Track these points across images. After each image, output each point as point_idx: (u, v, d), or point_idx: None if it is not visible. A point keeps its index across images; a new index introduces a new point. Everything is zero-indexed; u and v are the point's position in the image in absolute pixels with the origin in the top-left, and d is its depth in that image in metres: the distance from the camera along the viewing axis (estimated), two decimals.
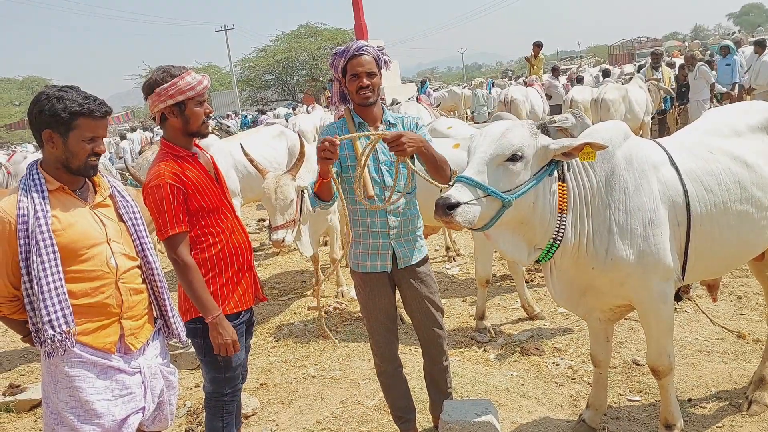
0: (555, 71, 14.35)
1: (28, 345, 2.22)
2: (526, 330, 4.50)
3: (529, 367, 3.92)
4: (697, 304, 3.91)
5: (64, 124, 2.04)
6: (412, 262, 2.86)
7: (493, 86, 18.71)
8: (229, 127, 16.76)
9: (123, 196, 2.27)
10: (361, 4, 27.05)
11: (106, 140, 18.22)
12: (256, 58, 46.34)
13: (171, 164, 2.49)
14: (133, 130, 19.73)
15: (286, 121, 14.20)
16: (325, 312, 5.42)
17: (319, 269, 6.02)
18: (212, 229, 2.59)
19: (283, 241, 4.65)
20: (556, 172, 2.39)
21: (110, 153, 16.26)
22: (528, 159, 2.30)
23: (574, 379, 3.70)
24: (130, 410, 2.16)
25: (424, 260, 2.93)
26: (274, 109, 26.97)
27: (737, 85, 9.68)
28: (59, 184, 2.10)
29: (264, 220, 9.87)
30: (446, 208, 2.16)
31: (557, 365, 3.89)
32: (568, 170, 2.43)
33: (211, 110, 2.65)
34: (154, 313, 2.33)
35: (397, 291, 2.95)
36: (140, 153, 12.43)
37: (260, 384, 4.13)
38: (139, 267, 2.26)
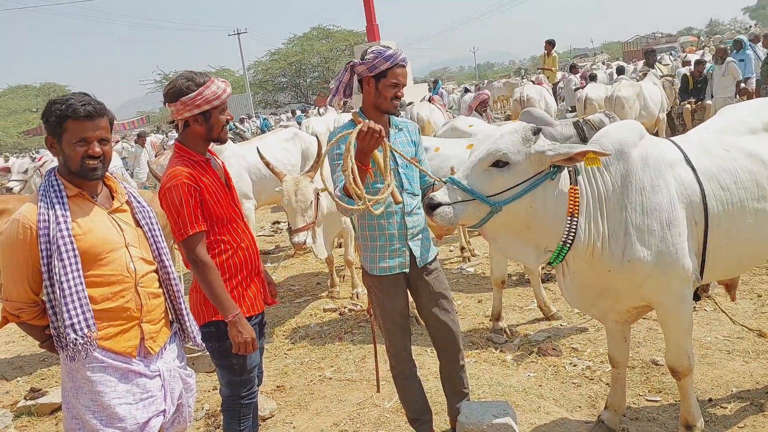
0: (573, 69, 14.28)
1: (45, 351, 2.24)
2: (543, 330, 4.47)
3: (547, 367, 3.89)
4: (716, 303, 3.86)
5: (55, 129, 2.07)
6: (428, 260, 2.89)
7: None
8: (244, 131, 16.87)
9: (139, 202, 2.30)
10: (373, 5, 27.11)
11: (118, 146, 18.31)
12: (268, 62, 46.63)
13: (187, 167, 2.52)
14: (140, 136, 19.88)
15: (299, 123, 14.26)
16: (340, 314, 5.43)
17: (333, 271, 6.05)
18: (223, 237, 2.61)
19: (304, 243, 4.69)
20: (566, 177, 2.37)
21: (125, 158, 16.38)
22: (516, 165, 2.30)
23: (592, 379, 3.67)
24: (152, 413, 2.18)
25: (436, 257, 2.97)
26: (287, 112, 27.10)
27: (754, 80, 9.53)
28: (77, 190, 2.13)
29: (279, 223, 9.92)
30: (429, 207, 2.30)
31: (575, 366, 3.87)
32: (579, 174, 2.42)
33: (232, 117, 2.68)
34: (170, 316, 2.35)
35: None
36: (156, 155, 12.56)
37: (277, 386, 4.15)
38: (156, 271, 2.29)
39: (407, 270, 2.84)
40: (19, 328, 2.23)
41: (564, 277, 2.64)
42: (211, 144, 2.68)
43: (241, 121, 21.31)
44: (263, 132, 18.77)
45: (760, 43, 10.85)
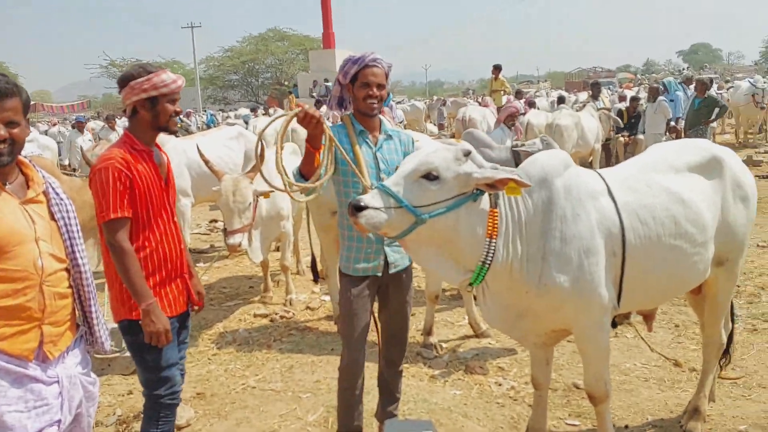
0: (519, 95, 14.68)
1: None
2: (472, 348, 4.52)
3: (473, 386, 3.92)
4: (637, 331, 4.00)
5: None
6: (402, 267, 2.92)
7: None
8: (189, 125, 16.42)
9: (57, 194, 2.14)
10: (331, 13, 27.12)
11: (54, 130, 17.42)
12: (221, 58, 45.85)
13: (124, 152, 2.50)
14: (53, 124, 19.09)
15: (245, 123, 14.00)
16: (271, 320, 5.32)
17: (268, 276, 5.92)
18: (147, 232, 2.56)
19: (239, 246, 4.58)
20: (486, 198, 2.41)
21: (60, 143, 15.61)
22: (445, 181, 2.33)
23: (516, 400, 3.72)
24: (45, 423, 1.99)
25: (410, 265, 3.00)
26: (236, 110, 26.64)
27: (681, 120, 10.11)
28: None
29: (215, 221, 9.67)
30: (355, 209, 2.26)
31: (500, 385, 3.91)
32: (500, 197, 2.46)
33: (181, 110, 2.67)
34: (78, 319, 2.20)
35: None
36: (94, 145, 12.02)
37: (197, 393, 4.00)
38: (67, 270, 2.12)
39: (380, 274, 2.87)
40: None
41: (484, 298, 2.67)
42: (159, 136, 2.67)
43: (188, 115, 20.71)
44: (209, 128, 18.33)
45: (693, 86, 11.50)
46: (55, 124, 18.61)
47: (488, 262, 2.41)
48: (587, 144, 9.42)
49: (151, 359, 2.57)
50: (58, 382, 2.05)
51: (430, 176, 2.32)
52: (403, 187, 2.32)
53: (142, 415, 3.66)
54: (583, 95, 19.50)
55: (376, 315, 3.04)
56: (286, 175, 2.56)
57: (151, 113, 2.54)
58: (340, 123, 2.87)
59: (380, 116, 2.92)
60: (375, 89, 2.76)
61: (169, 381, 2.63)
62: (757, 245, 6.42)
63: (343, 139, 2.78)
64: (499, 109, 13.50)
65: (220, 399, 3.92)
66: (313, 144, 2.61)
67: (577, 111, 10.21)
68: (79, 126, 13.59)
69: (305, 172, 2.67)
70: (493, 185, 2.33)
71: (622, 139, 10.78)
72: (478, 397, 3.77)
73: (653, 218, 2.63)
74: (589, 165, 9.43)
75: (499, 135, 7.08)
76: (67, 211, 2.14)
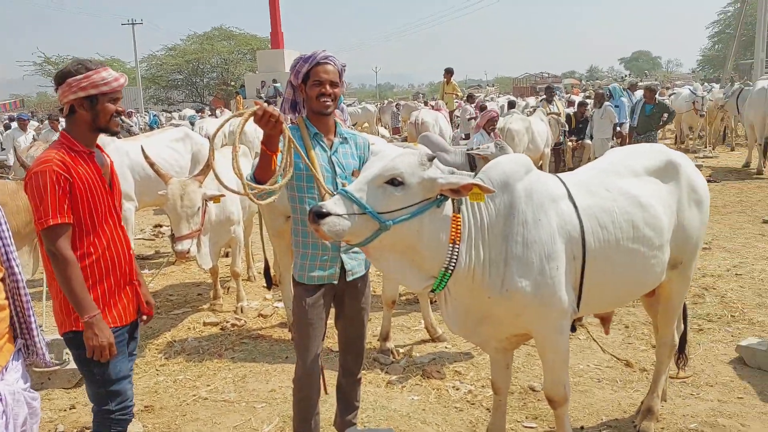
0: (471, 99, 14.85)
1: None
2: (429, 353, 4.50)
3: (430, 391, 3.90)
4: (588, 332, 4.07)
5: None
6: (359, 275, 2.85)
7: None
8: (131, 126, 15.86)
9: None
10: (279, 13, 26.78)
11: None
12: (164, 56, 44.61)
13: (62, 154, 2.36)
14: (11, 119, 18.17)
15: (191, 124, 13.62)
16: (222, 328, 5.15)
17: (218, 282, 5.75)
18: (91, 238, 2.43)
19: (188, 252, 4.42)
20: (449, 204, 2.39)
21: None
22: (409, 186, 2.29)
23: (473, 404, 3.72)
24: None
25: (367, 273, 2.94)
26: (180, 110, 25.94)
27: (627, 125, 10.44)
28: None
29: (161, 226, 9.35)
30: (316, 216, 2.18)
31: (457, 389, 3.90)
32: (462, 203, 2.44)
33: (123, 109, 2.55)
34: (15, 331, 2.05)
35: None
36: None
37: (145, 406, 3.82)
38: (2, 279, 1.98)
39: (335, 282, 2.78)
40: None
41: (446, 303, 2.65)
42: (100, 137, 2.54)
43: (129, 115, 20.01)
44: (152, 129, 17.77)
45: (639, 92, 11.92)
46: None
47: (451, 267, 2.39)
48: (537, 148, 9.61)
49: (99, 372, 2.45)
50: (1, 399, 1.92)
51: (394, 182, 2.28)
52: (366, 193, 2.25)
53: (86, 430, 3.50)
54: (532, 100, 19.95)
55: (334, 323, 2.98)
56: (243, 177, 2.42)
57: (90, 113, 2.41)
58: (293, 124, 2.78)
59: (335, 119, 2.85)
60: (328, 87, 2.67)
61: (119, 395, 2.51)
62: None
63: (298, 143, 2.67)
64: (451, 113, 13.68)
65: (170, 412, 3.76)
66: (269, 146, 2.50)
67: (527, 116, 10.40)
68: (21, 124, 12.91)
69: (260, 177, 2.54)
70: (458, 191, 2.31)
71: (570, 144, 11.07)
72: (436, 402, 3.75)
73: (612, 222, 2.66)
74: (539, 169, 9.61)
75: (479, 140, 6.98)
76: None
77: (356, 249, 2.78)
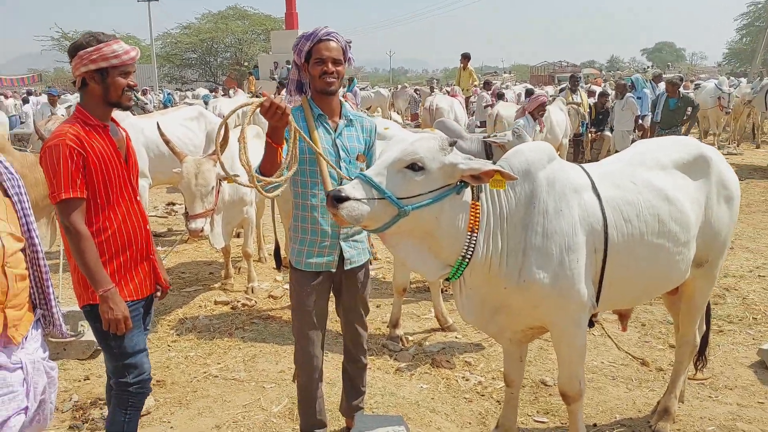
0: (487, 86, 14.65)
1: None
2: (439, 342, 4.46)
3: (440, 380, 3.87)
4: (603, 328, 4.01)
5: None
6: (358, 264, 2.79)
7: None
8: (146, 104, 15.84)
9: (7, 168, 1.97)
10: None
11: (10, 102, 16.53)
12: (179, 34, 44.51)
13: (76, 128, 2.35)
14: (29, 93, 18.22)
15: (205, 103, 13.59)
16: (232, 308, 5.15)
17: (229, 262, 5.74)
18: (107, 212, 2.42)
19: (201, 231, 4.41)
20: (469, 191, 2.34)
21: (13, 116, 14.86)
22: (430, 172, 2.24)
23: (483, 395, 3.69)
24: (12, 411, 1.87)
25: (368, 262, 2.89)
26: (194, 89, 25.91)
27: (649, 118, 10.25)
28: None
29: (174, 204, 9.36)
30: (334, 200, 2.14)
31: (467, 380, 3.87)
32: (482, 190, 2.39)
33: (135, 83, 2.49)
34: (35, 301, 2.05)
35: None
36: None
37: (157, 381, 3.83)
38: (23, 250, 1.97)
39: (333, 270, 2.73)
40: None
41: (461, 293, 2.60)
42: (114, 112, 2.51)
43: (144, 92, 20.00)
44: (166, 107, 17.74)
45: (663, 84, 11.66)
46: (8, 97, 17.71)
47: (468, 256, 2.35)
48: (555, 138, 9.47)
49: (116, 346, 2.47)
50: (21, 367, 1.94)
51: (414, 167, 2.23)
52: (386, 178, 2.21)
53: (99, 401, 3.52)
54: (550, 89, 19.68)
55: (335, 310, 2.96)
56: (251, 168, 2.34)
57: (101, 86, 2.38)
58: (298, 106, 2.71)
59: (342, 100, 2.76)
60: (330, 65, 2.58)
61: (136, 368, 2.53)
62: None
63: (301, 124, 2.61)
64: (467, 100, 13.53)
65: (181, 387, 3.78)
66: (275, 138, 2.41)
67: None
68: (51, 99, 13.06)
69: (266, 170, 2.46)
70: (479, 177, 2.26)
71: (589, 135, 10.90)
72: (445, 392, 3.72)
73: (637, 215, 2.60)
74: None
75: (524, 125, 6.57)
76: (20, 187, 1.98)
77: (356, 237, 2.76)
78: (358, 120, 2.78)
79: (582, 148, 11.16)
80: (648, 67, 39.93)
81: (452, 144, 2.31)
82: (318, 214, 2.66)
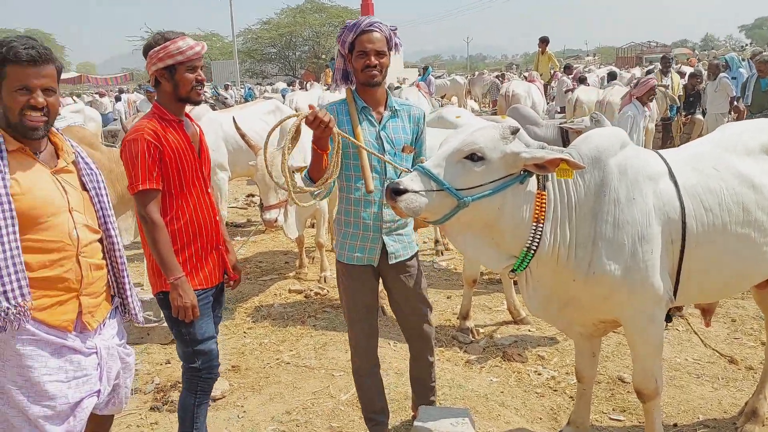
0: (568, 70, 14.12)
1: None
2: (511, 335, 4.37)
3: (510, 373, 3.79)
4: (689, 324, 3.79)
5: None
6: (403, 258, 2.73)
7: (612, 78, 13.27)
8: (226, 99, 16.47)
9: (87, 163, 2.10)
10: None
11: (105, 100, 17.63)
12: (259, 30, 45.86)
13: (153, 123, 2.47)
14: (121, 92, 19.39)
15: (283, 97, 13.94)
16: (306, 296, 5.27)
17: (303, 252, 5.87)
18: (180, 202, 2.53)
19: (275, 221, 4.53)
20: (534, 180, 2.26)
21: (108, 113, 15.92)
22: (490, 161, 2.18)
23: (555, 390, 3.57)
24: (85, 393, 2.01)
25: (414, 255, 2.81)
26: (273, 84, 26.62)
27: (741, 99, 9.49)
28: (19, 144, 1.92)
29: (253, 196, 9.67)
30: (393, 192, 2.13)
31: (539, 374, 3.77)
32: (548, 179, 2.29)
33: (204, 78, 2.57)
34: (112, 290, 2.17)
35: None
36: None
37: (232, 366, 3.99)
38: (100, 241, 2.09)
39: (375, 264, 2.69)
40: None
41: (527, 285, 2.52)
42: (190, 108, 2.64)
43: (226, 87, 20.83)
44: (247, 102, 18.37)
45: None
46: (103, 95, 19.00)
47: (534, 247, 2.28)
48: None
49: (187, 332, 2.57)
50: (96, 352, 2.06)
51: (474, 157, 2.19)
52: (444, 169, 2.19)
53: (179, 384, 3.70)
54: (637, 71, 18.67)
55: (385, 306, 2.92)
56: (291, 176, 2.46)
57: (171, 83, 2.48)
58: (342, 99, 2.69)
59: (387, 90, 2.70)
60: (373, 57, 2.52)
61: (205, 354, 2.62)
62: None
63: (344, 118, 2.59)
64: (546, 85, 13.10)
65: (254, 373, 3.91)
66: (319, 145, 2.43)
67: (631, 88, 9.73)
68: (149, 96, 13.76)
69: (314, 176, 2.52)
70: (543, 166, 2.18)
71: (679, 119, 10.22)
72: (516, 386, 3.64)
73: (719, 204, 2.42)
74: (640, 146, 9.01)
75: (632, 112, 6.34)
76: (98, 182, 2.10)
77: (400, 231, 2.71)
78: (405, 109, 2.72)
79: (671, 133, 10.50)
80: (746, 45, 37.02)
81: (514, 132, 2.25)
82: (361, 207, 2.63)
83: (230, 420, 3.37)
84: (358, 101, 2.63)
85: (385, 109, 2.66)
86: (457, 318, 4.53)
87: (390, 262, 2.69)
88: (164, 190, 2.48)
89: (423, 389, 2.99)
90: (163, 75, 2.46)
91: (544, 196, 2.27)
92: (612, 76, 11.30)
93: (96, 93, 19.31)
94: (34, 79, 1.87)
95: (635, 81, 7.26)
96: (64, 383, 1.96)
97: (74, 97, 19.26)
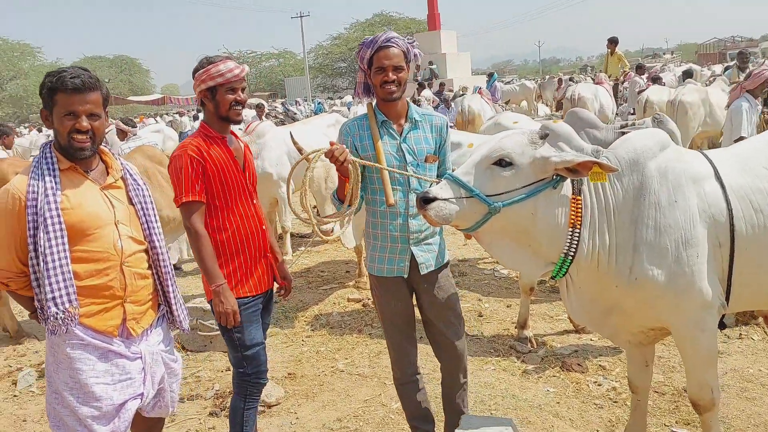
0: (640, 69, 13.57)
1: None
2: (571, 344, 4.23)
3: (568, 384, 3.67)
4: (765, 332, 3.53)
5: (47, 101, 2.05)
6: (434, 268, 2.70)
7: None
8: (295, 114, 16.95)
9: (135, 179, 2.26)
10: None
11: (185, 119, 18.52)
12: (329, 45, 47.00)
13: (198, 140, 2.63)
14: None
15: (348, 109, 14.20)
16: (363, 305, 5.33)
17: (362, 261, 5.94)
18: (224, 213, 2.65)
19: (332, 232, 4.62)
20: (568, 184, 2.21)
21: (188, 131, 16.78)
22: (520, 167, 2.17)
23: (616, 402, 3.43)
24: (129, 395, 2.13)
25: (445, 265, 2.77)
26: (342, 97, 27.15)
27: None
28: (70, 163, 2.09)
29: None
30: (423, 201, 2.15)
31: (599, 385, 3.63)
32: (584, 183, 2.23)
33: (243, 98, 2.68)
34: (159, 299, 2.29)
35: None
36: None
37: (288, 373, 4.09)
38: (146, 251, 2.22)
39: (405, 275, 2.68)
40: (11, 296, 2.21)
41: (568, 291, 2.45)
42: (236, 128, 2.81)
43: (296, 103, 21.47)
44: (317, 115, 18.84)
45: None
46: (183, 114, 20.10)
47: (572, 253, 2.24)
48: (716, 122, 8.47)
49: (236, 338, 2.67)
50: (141, 357, 2.18)
51: (502, 163, 2.19)
52: (473, 176, 2.19)
53: None
54: (718, 68, 17.69)
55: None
56: (310, 214, 2.56)
57: (212, 103, 2.62)
58: (364, 115, 2.73)
59: (408, 101, 2.70)
60: (391, 73, 2.54)
61: (253, 360, 2.71)
62: None
63: (365, 133, 2.63)
64: (615, 87, 12.64)
65: (309, 380, 3.99)
66: (343, 173, 2.53)
67: (705, 86, 9.22)
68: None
69: (341, 197, 2.61)
70: (574, 170, 2.14)
71: (763, 116, 9.56)
72: (573, 396, 3.52)
73: None
74: (719, 146, 8.53)
75: (746, 105, 5.89)
76: (144, 196, 2.23)
77: (429, 241, 2.68)
78: (427, 119, 2.71)
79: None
80: None
81: (543, 137, 2.22)
82: (387, 220, 2.64)
83: (283, 426, 3.45)
84: (379, 115, 2.66)
85: (405, 121, 2.67)
86: (515, 327, 4.44)
87: (421, 273, 2.67)
88: (209, 202, 2.61)
89: (454, 414, 2.83)
90: (206, 96, 2.61)
91: (579, 201, 2.23)
92: (687, 75, 10.74)
93: (176, 113, 20.42)
94: (79, 106, 2.03)
95: (748, 72, 6.77)
96: (109, 386, 2.09)
97: (156, 118, 20.43)
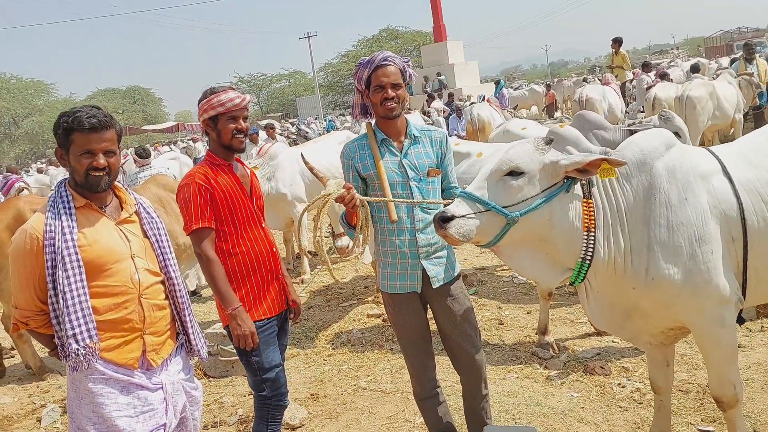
0: (646, 67, 13.52)
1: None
2: (593, 347, 4.21)
3: (592, 387, 3.65)
4: None
5: (63, 141, 2.11)
6: (446, 281, 2.71)
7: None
8: (307, 133, 17.12)
9: (148, 213, 2.31)
10: (440, 5, 26.91)
11: (198, 145, 18.60)
12: (338, 63, 47.39)
13: (205, 168, 2.69)
14: (194, 141, 20.47)
15: (359, 125, 14.29)
16: (383, 320, 5.34)
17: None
18: (234, 237, 2.69)
19: (347, 248, 4.66)
20: (578, 189, 2.23)
21: (201, 157, 16.96)
22: (531, 175, 2.19)
23: (641, 403, 3.40)
24: (152, 427, 2.16)
25: (457, 277, 2.78)
26: (343, 115, 27.30)
27: None
28: (85, 201, 2.15)
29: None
30: (441, 221, 2.16)
31: (623, 387, 3.60)
32: (594, 186, 2.24)
33: (245, 127, 2.73)
34: (177, 328, 2.33)
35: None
36: None
37: (311, 394, 4.11)
38: (162, 283, 2.27)
39: (418, 290, 2.70)
40: (30, 335, 2.27)
41: (587, 297, 2.46)
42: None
43: (308, 123, 21.67)
44: (329, 133, 18.97)
45: None
46: (196, 140, 20.32)
47: (588, 257, 2.25)
48: (725, 115, 8.43)
49: (255, 361, 2.69)
50: (162, 388, 2.21)
51: (513, 173, 2.21)
52: (487, 190, 2.22)
53: None
54: (725, 60, 17.52)
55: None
56: (323, 251, 2.60)
57: (214, 132, 2.68)
58: (363, 134, 2.76)
59: (407, 118, 2.75)
60: (390, 90, 2.60)
61: (273, 382, 2.73)
62: None
63: (366, 153, 2.67)
64: (622, 86, 12.58)
65: (332, 400, 4.00)
66: (349, 210, 2.60)
67: (712, 79, 9.17)
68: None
69: (349, 221, 2.66)
70: (584, 170, 2.17)
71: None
72: (597, 400, 3.50)
73: None
74: (731, 138, 8.45)
75: None
76: (158, 229, 2.29)
77: (439, 254, 2.69)
78: (426, 134, 2.74)
79: (764, 122, 9.74)
80: None
81: (548, 142, 2.26)
82: (395, 236, 2.66)
83: None
84: (378, 134, 2.70)
85: (405, 138, 2.71)
86: (536, 333, 4.43)
87: (434, 287, 2.68)
88: (218, 228, 2.66)
89: (477, 426, 2.83)
90: (209, 125, 2.68)
91: (591, 204, 2.26)
92: (694, 69, 10.68)
93: (190, 139, 20.65)
94: (96, 144, 2.10)
95: None
96: (132, 418, 2.11)
97: (171, 146, 20.65)
